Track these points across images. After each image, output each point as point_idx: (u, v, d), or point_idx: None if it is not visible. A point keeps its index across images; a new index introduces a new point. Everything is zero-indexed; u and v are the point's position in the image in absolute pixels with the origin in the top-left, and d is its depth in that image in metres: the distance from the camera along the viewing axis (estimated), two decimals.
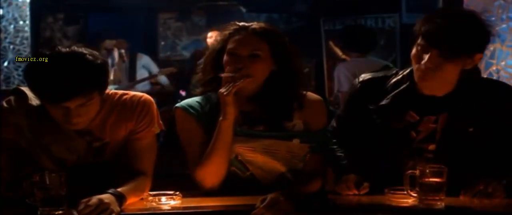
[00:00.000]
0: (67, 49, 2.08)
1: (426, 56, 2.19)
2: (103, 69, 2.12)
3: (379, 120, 2.34)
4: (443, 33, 2.16)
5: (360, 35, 4.85)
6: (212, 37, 6.62)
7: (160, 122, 2.33)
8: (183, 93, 7.31)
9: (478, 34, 2.22)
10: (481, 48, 2.25)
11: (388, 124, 2.33)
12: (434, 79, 2.23)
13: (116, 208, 2.01)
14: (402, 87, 2.33)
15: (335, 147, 2.45)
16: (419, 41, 2.22)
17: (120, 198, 2.06)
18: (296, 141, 2.30)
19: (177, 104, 2.36)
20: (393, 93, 2.34)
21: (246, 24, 2.31)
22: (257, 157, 2.29)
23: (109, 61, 7.69)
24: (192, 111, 2.32)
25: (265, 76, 2.29)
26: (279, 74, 2.30)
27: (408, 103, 2.32)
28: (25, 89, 2.24)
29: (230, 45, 2.27)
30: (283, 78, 2.30)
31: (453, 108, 2.28)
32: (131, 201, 2.14)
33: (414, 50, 2.25)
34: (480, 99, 2.27)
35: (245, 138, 2.28)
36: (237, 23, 2.32)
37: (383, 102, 2.35)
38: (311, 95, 2.40)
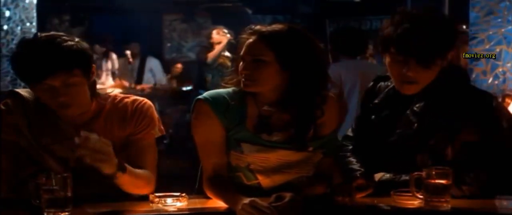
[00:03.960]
0: (47, 33, 2.19)
1: (403, 66, 2.22)
2: (82, 49, 2.18)
3: (376, 118, 2.37)
4: (416, 41, 2.18)
5: (349, 37, 4.75)
6: (219, 33, 6.66)
7: (161, 127, 2.33)
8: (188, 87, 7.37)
9: (447, 35, 2.23)
10: (452, 46, 2.26)
11: (383, 121, 2.35)
12: (416, 87, 2.27)
13: (115, 159, 2.04)
14: (390, 86, 2.37)
15: (348, 153, 2.43)
16: (391, 49, 2.23)
17: (122, 166, 2.09)
18: (310, 149, 2.26)
19: (200, 97, 2.28)
20: (384, 92, 2.37)
21: (257, 28, 2.23)
22: (269, 166, 2.25)
23: (109, 65, 7.73)
24: (217, 106, 2.24)
25: (276, 82, 2.20)
26: (296, 80, 2.20)
27: (396, 100, 2.33)
28: (21, 91, 2.26)
29: (241, 50, 2.24)
30: (301, 83, 2.20)
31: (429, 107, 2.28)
32: (133, 184, 2.16)
33: (388, 59, 2.26)
34: (455, 105, 2.25)
35: (261, 148, 2.24)
36: (251, 27, 2.25)
37: (376, 100, 2.39)
38: (325, 93, 2.30)
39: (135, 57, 8.25)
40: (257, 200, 2.00)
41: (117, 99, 2.31)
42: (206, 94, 2.28)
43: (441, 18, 2.27)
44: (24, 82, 2.20)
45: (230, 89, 2.29)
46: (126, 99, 2.32)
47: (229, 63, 6.53)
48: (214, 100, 2.25)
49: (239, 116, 2.25)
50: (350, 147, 2.45)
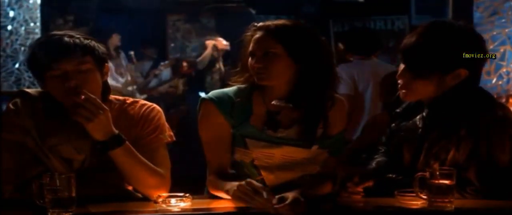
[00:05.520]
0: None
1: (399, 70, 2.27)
2: (97, 44, 2.24)
3: (395, 126, 2.39)
4: (412, 49, 2.21)
5: (363, 37, 4.79)
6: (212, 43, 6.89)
7: (171, 133, 2.34)
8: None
9: (453, 52, 2.20)
10: (461, 65, 2.21)
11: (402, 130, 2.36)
12: (411, 96, 2.28)
13: (107, 126, 2.11)
14: None
15: (375, 155, 2.45)
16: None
17: (118, 138, 2.13)
18: (315, 147, 2.28)
19: (205, 96, 2.32)
20: (407, 102, 2.38)
21: (265, 24, 2.28)
22: (274, 163, 2.27)
23: (123, 62, 7.73)
24: (222, 105, 2.28)
25: (288, 75, 2.24)
26: (306, 73, 2.24)
27: (415, 111, 2.34)
28: (31, 91, 2.27)
29: (250, 47, 2.27)
30: (310, 77, 2.24)
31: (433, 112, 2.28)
32: (136, 171, 2.18)
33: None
34: (458, 108, 2.24)
35: (266, 144, 2.26)
36: (256, 24, 2.30)
37: (398, 110, 2.41)
38: (334, 88, 2.35)
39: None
40: (253, 181, 2.02)
41: (126, 104, 2.33)
42: (210, 93, 2.31)
43: (454, 37, 2.23)
44: (37, 71, 2.23)
45: (235, 88, 2.32)
46: (135, 104, 2.33)
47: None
48: (219, 100, 2.28)
49: (244, 112, 2.28)
50: (382, 151, 2.47)
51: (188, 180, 2.53)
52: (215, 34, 7.35)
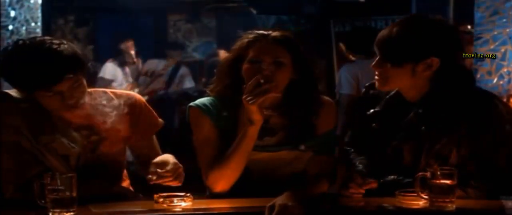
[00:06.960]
0: (34, 39, 2.18)
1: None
2: (75, 50, 2.19)
3: (376, 126, 2.37)
4: (386, 38, 2.25)
5: (365, 37, 4.80)
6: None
7: (160, 120, 2.41)
8: None
9: (424, 39, 2.22)
10: (432, 53, 2.21)
11: (386, 128, 2.34)
12: (386, 85, 2.30)
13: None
14: (392, 93, 2.36)
15: (351, 155, 2.46)
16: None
17: None
18: (302, 147, 2.30)
19: (191, 103, 2.35)
20: (385, 99, 2.38)
21: (266, 32, 2.29)
22: (263, 166, 2.29)
23: (139, 66, 7.70)
24: (207, 109, 2.31)
25: (285, 84, 2.27)
26: (299, 83, 2.29)
27: (398, 108, 2.33)
28: (12, 92, 2.26)
29: (251, 53, 2.25)
30: (304, 87, 2.29)
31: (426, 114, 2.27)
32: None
33: None
34: (460, 110, 2.23)
35: (252, 153, 2.26)
36: (256, 31, 2.31)
37: (377, 108, 2.39)
38: (321, 97, 2.38)
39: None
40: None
41: (110, 96, 2.32)
42: (197, 101, 2.35)
43: (427, 26, 2.25)
44: (25, 89, 2.19)
45: (217, 97, 2.34)
46: (119, 96, 2.33)
47: None
48: (206, 107, 2.31)
49: (231, 121, 2.30)
50: (352, 150, 2.47)
51: (189, 180, 2.53)
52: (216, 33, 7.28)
